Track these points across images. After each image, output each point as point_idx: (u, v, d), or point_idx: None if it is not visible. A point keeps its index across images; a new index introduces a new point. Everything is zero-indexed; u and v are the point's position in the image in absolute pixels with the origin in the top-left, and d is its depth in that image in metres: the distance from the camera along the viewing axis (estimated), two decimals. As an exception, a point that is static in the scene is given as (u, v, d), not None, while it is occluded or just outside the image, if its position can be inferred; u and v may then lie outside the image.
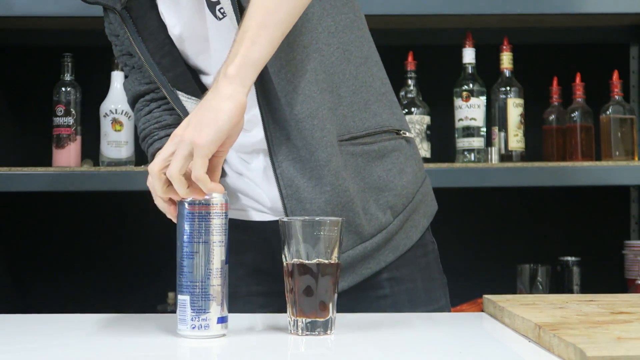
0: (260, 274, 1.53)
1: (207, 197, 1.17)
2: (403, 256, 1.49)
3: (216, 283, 1.17)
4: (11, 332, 1.26)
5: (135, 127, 1.63)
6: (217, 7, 1.41)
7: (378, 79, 1.50)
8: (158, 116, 1.55)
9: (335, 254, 1.19)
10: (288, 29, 1.30)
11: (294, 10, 1.30)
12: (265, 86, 1.39)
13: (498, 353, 1.14)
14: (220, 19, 1.42)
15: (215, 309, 1.17)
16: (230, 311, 1.20)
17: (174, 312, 1.22)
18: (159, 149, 1.48)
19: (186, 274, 1.17)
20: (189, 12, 1.45)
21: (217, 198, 1.17)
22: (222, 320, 1.17)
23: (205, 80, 1.51)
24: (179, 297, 1.18)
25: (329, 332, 1.18)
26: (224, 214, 1.18)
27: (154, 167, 1.21)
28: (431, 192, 1.59)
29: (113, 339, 1.21)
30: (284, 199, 1.42)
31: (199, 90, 1.47)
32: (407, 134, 1.53)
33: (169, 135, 1.48)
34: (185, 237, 1.17)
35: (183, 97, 1.47)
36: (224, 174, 1.53)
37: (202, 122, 1.19)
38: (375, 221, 1.46)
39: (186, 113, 1.47)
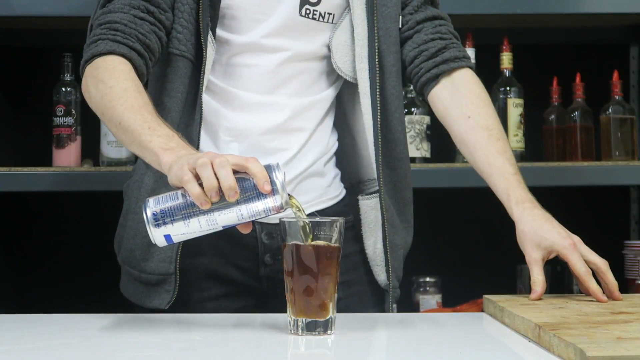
0: (212, 278, 1.52)
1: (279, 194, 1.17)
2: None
3: (201, 224, 1.17)
4: (11, 332, 1.26)
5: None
6: (307, 6, 1.48)
7: None
8: (147, 31, 1.44)
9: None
10: None
11: None
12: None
13: (498, 353, 1.14)
14: (304, 15, 1.48)
15: (178, 229, 1.17)
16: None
17: (174, 312, 1.22)
18: (121, 56, 1.40)
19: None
20: None
21: (281, 199, 1.17)
22: (168, 238, 1.18)
23: (234, 38, 1.49)
24: (180, 191, 1.18)
25: (329, 332, 1.18)
26: (269, 210, 1.18)
27: None
28: None
29: (113, 339, 1.21)
30: None
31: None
32: None
33: (141, 55, 1.41)
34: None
35: (210, 38, 1.46)
36: None
37: None
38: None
39: (198, 49, 1.45)
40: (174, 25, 1.48)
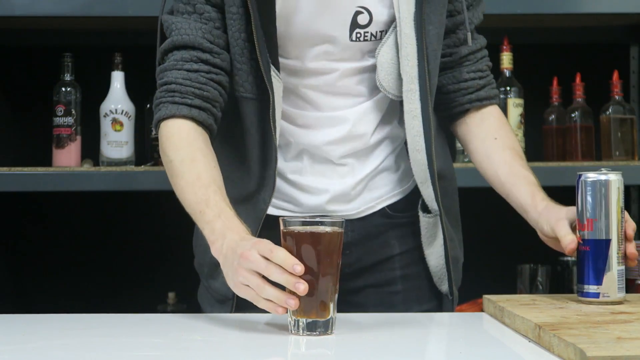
0: None
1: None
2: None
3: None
4: (11, 332, 1.26)
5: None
6: (357, 30, 1.46)
7: None
8: (203, 82, 1.42)
9: (335, 253, 1.19)
10: None
11: None
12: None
13: (498, 353, 1.14)
14: (354, 40, 1.46)
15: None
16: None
17: (174, 312, 1.22)
18: (182, 117, 1.40)
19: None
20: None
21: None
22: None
23: (286, 63, 1.46)
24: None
25: (329, 332, 1.18)
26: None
27: None
28: None
29: (113, 338, 1.21)
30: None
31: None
32: None
33: (202, 109, 1.41)
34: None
35: (274, 72, 1.42)
36: None
37: None
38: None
39: (260, 86, 1.42)
40: None
